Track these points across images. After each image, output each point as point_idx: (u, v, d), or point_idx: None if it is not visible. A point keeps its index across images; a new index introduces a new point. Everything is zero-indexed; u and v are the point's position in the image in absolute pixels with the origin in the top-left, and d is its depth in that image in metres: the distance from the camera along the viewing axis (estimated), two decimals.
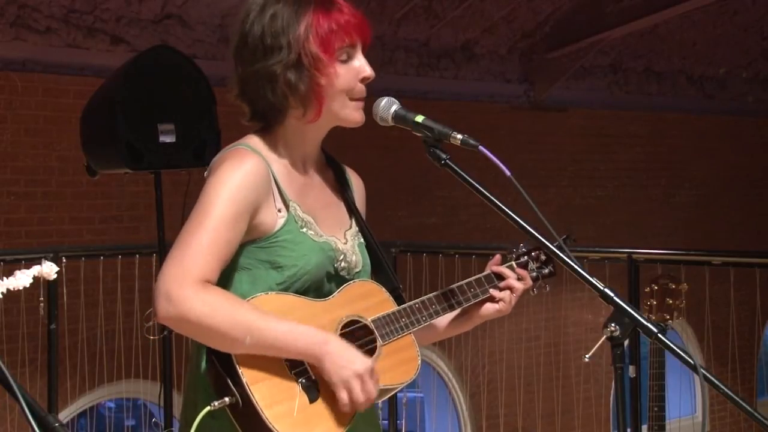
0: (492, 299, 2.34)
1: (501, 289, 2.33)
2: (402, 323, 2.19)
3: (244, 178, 2.06)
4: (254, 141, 2.16)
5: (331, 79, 2.10)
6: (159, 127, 4.34)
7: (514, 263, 2.37)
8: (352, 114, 2.15)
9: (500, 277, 2.35)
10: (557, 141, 9.57)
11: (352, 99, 2.14)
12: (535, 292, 2.43)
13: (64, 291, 4.95)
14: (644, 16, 8.50)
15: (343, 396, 2.03)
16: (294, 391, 2.04)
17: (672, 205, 10.60)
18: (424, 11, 8.22)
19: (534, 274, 2.40)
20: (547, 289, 2.43)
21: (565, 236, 2.34)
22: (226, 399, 2.00)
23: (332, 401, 2.07)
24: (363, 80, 2.14)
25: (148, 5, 6.83)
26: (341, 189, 2.29)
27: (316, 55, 2.07)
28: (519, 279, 2.36)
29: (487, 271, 2.35)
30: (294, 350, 2.04)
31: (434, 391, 8.05)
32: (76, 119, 4.55)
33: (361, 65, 2.13)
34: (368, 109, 2.16)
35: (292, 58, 2.07)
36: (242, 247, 2.10)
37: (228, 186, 2.05)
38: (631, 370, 4.17)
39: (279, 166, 2.15)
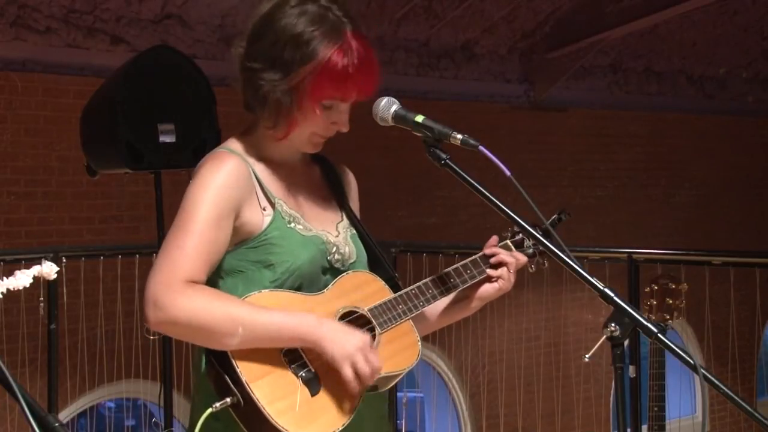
0: (489, 279, 2.31)
1: (497, 268, 2.31)
2: (399, 310, 2.18)
3: (224, 179, 2.07)
4: (234, 144, 2.18)
5: (306, 116, 2.11)
6: (159, 127, 4.34)
7: (509, 241, 2.35)
8: (307, 147, 2.18)
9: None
10: (557, 141, 9.57)
11: (317, 135, 2.15)
12: (533, 268, 2.39)
13: (64, 291, 4.95)
14: (644, 16, 8.50)
15: (348, 372, 2.03)
16: (295, 385, 2.04)
17: (672, 205, 10.60)
18: (424, 11, 8.22)
19: (530, 250, 2.36)
20: (545, 265, 2.38)
21: (560, 211, 2.34)
22: (228, 399, 2.00)
23: (334, 393, 2.07)
24: (334, 126, 2.15)
25: (148, 5, 6.83)
26: (329, 183, 2.29)
27: (306, 93, 2.07)
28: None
29: (482, 252, 2.33)
30: (288, 337, 2.04)
31: (434, 391, 8.05)
32: (76, 119, 4.55)
33: (340, 118, 2.14)
34: (368, 109, 2.16)
35: (283, 87, 2.08)
36: (233, 250, 2.11)
37: (208, 188, 2.07)
38: (631, 370, 4.17)
39: (261, 165, 2.16)
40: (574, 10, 8.79)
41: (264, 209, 2.12)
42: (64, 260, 4.79)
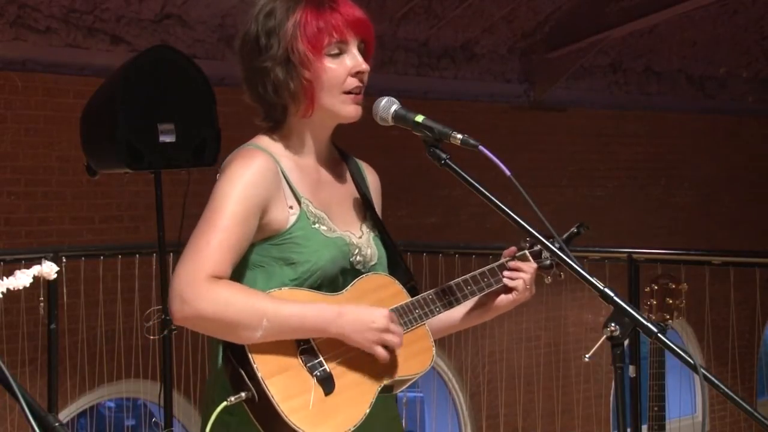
0: (506, 289, 2.31)
1: (513, 278, 2.30)
2: (416, 314, 2.20)
3: (252, 176, 2.09)
4: (263, 140, 2.19)
5: (318, 74, 2.11)
6: (159, 127, 4.33)
7: (527, 251, 2.34)
8: (344, 108, 2.15)
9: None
10: (557, 141, 9.56)
11: (344, 92, 2.14)
12: (550, 280, 2.39)
13: (64, 291, 4.95)
14: (644, 16, 8.50)
15: (380, 352, 2.09)
16: (309, 384, 2.06)
17: (672, 205, 10.60)
18: (424, 11, 8.22)
19: (548, 262, 2.35)
20: (562, 277, 2.37)
21: (578, 224, 2.33)
22: (242, 394, 2.02)
23: (348, 393, 2.09)
24: (356, 74, 2.15)
25: (148, 5, 6.83)
26: (356, 183, 2.30)
27: (303, 52, 2.10)
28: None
29: (500, 261, 2.33)
30: (311, 327, 2.07)
31: (434, 391, 8.05)
32: (76, 119, 4.55)
33: (353, 59, 2.14)
34: (368, 109, 2.16)
35: (281, 55, 2.11)
36: (256, 245, 2.12)
37: (237, 184, 2.08)
38: (631, 370, 4.16)
39: (289, 163, 2.17)
40: (574, 10, 8.78)
41: (291, 207, 2.13)
42: (64, 260, 4.79)
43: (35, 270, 1.79)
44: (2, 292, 1.75)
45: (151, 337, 4.82)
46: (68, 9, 6.55)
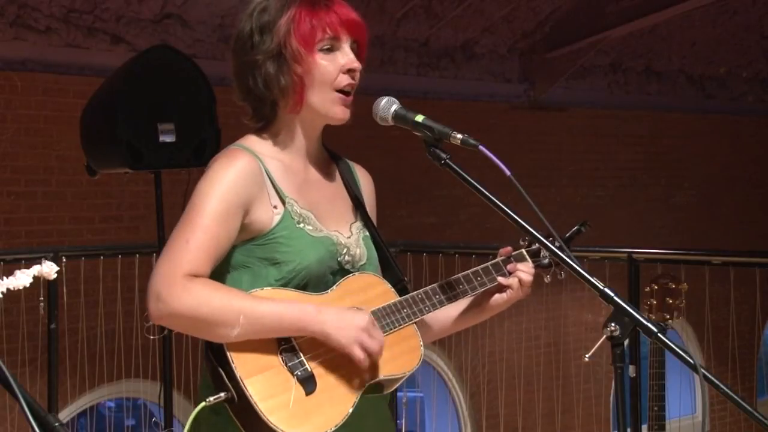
0: (500, 289, 2.28)
1: (509, 277, 2.27)
2: (404, 314, 2.18)
3: (233, 175, 2.08)
4: (250, 141, 2.19)
5: (309, 69, 2.11)
6: (159, 127, 4.34)
7: (524, 251, 2.30)
8: (331, 108, 2.15)
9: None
10: (557, 141, 9.56)
11: (336, 90, 2.14)
12: (549, 279, 2.34)
13: (64, 291, 4.95)
14: (644, 16, 8.50)
15: (357, 353, 2.05)
16: (289, 383, 2.04)
17: (672, 205, 10.59)
18: (424, 11, 8.21)
19: (546, 261, 2.30)
20: (562, 275, 2.31)
21: (581, 223, 2.31)
22: (222, 394, 2.01)
23: (330, 393, 2.07)
24: (349, 72, 2.14)
25: (148, 5, 6.83)
26: (347, 184, 2.29)
27: (295, 47, 2.10)
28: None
29: (495, 260, 2.30)
30: (290, 325, 2.05)
31: (434, 391, 8.05)
32: (76, 119, 4.55)
33: (345, 57, 2.14)
34: (368, 109, 2.16)
35: (273, 49, 2.10)
36: (240, 246, 2.11)
37: (217, 184, 2.08)
38: (631, 370, 4.16)
39: (275, 163, 2.16)
40: (574, 10, 8.78)
41: (275, 207, 2.13)
42: (64, 260, 4.78)
43: (35, 270, 1.79)
44: (2, 292, 1.75)
45: (151, 337, 4.81)
46: (68, 9, 6.55)
